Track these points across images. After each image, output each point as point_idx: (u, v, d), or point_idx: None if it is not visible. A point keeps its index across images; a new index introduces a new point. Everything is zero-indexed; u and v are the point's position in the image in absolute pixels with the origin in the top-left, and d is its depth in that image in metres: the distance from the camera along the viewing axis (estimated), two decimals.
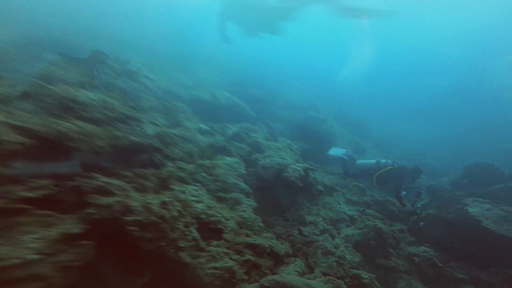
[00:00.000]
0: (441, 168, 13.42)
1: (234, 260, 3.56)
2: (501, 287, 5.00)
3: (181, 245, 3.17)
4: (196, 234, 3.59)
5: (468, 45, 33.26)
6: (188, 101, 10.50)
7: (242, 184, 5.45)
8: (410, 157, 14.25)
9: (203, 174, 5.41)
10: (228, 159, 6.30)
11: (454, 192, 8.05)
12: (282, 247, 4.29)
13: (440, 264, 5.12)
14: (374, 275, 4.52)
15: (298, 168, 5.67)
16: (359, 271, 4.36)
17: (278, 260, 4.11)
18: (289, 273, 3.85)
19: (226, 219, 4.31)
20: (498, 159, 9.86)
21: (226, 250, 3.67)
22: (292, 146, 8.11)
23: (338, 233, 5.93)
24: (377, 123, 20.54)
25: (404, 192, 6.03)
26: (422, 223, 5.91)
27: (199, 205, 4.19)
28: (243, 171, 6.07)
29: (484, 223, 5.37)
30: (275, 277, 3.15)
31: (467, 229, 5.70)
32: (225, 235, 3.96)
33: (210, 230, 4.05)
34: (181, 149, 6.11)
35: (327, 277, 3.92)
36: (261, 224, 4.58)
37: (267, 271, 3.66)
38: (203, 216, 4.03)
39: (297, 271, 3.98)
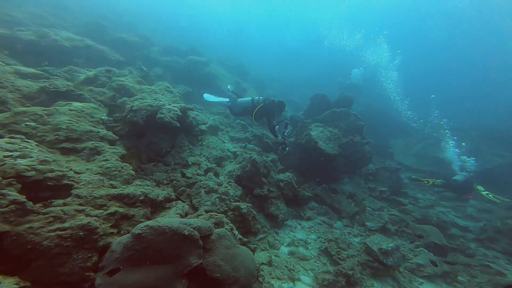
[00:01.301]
0: (302, 102, 16.67)
1: (93, 216, 2.77)
2: (325, 198, 6.89)
3: None
4: (17, 195, 2.43)
5: None
6: None
7: (103, 131, 4.26)
8: (281, 95, 16.81)
9: (31, 123, 3.78)
10: (78, 104, 4.68)
11: (305, 120, 9.77)
12: (160, 193, 3.82)
13: (296, 186, 6.44)
14: (251, 204, 5.05)
15: (174, 108, 5.06)
16: (239, 203, 4.69)
17: (156, 206, 3.65)
18: (169, 216, 3.53)
19: (78, 173, 3.24)
20: (331, 91, 13.00)
21: (79, 207, 2.77)
22: (172, 89, 7.23)
23: (222, 171, 6.10)
24: (257, 66, 22.84)
25: (277, 127, 6.46)
26: (287, 149, 6.75)
27: (22, 161, 2.86)
28: (105, 117, 4.75)
29: (319, 144, 6.90)
30: (148, 222, 2.71)
31: (312, 151, 7.12)
32: (76, 191, 2.97)
33: (50, 188, 2.92)
34: None
35: (209, 213, 3.92)
36: (132, 172, 3.84)
37: (142, 220, 3.15)
38: (30, 173, 2.79)
39: (179, 214, 3.72)
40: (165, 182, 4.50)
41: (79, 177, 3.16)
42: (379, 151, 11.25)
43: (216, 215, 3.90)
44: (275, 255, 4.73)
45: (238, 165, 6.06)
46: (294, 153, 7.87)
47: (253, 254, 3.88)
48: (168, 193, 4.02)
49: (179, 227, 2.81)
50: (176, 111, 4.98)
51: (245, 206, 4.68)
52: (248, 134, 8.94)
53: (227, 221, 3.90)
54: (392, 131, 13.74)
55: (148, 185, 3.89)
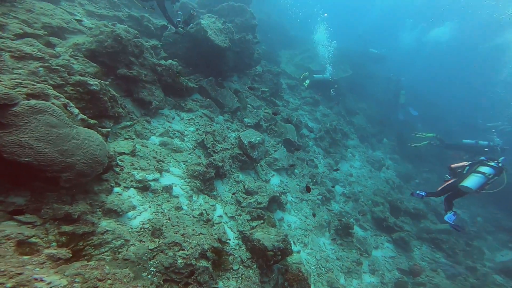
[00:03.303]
0: None
1: None
2: (210, 91, 6.43)
3: None
4: None
5: None
6: None
7: None
8: None
9: None
10: None
11: (200, 9, 8.62)
12: None
13: (177, 72, 5.43)
14: (107, 82, 3.76)
15: None
16: (85, 78, 3.31)
17: None
18: None
19: None
20: None
21: None
22: None
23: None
24: None
25: (179, 20, 5.74)
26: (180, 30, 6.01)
27: None
28: None
29: (208, 34, 6.15)
30: None
31: (202, 41, 6.32)
32: None
33: None
34: None
35: (15, 81, 2.44)
36: None
37: None
38: None
39: None
40: None
41: None
42: (269, 57, 11.48)
43: (33, 84, 2.50)
44: (141, 145, 4.11)
45: (91, 38, 4.20)
46: (181, 42, 6.61)
47: (106, 140, 3.04)
48: None
49: None
50: None
51: (97, 82, 3.37)
52: (120, 13, 6.64)
53: (57, 94, 2.64)
54: (283, 42, 14.18)
55: None
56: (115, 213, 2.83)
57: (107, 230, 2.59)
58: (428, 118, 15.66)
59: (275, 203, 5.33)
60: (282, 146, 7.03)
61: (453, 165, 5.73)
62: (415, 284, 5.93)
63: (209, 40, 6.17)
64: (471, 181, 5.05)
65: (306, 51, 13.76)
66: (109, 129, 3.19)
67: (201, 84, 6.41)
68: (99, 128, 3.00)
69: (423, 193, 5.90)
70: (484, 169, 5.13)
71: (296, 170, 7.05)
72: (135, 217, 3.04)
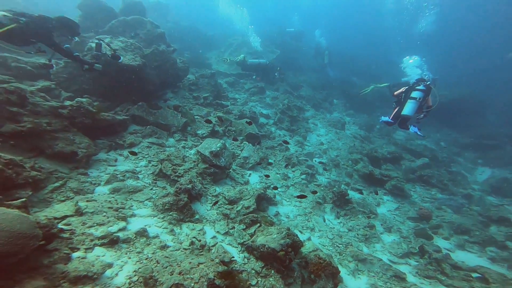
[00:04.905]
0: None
1: None
2: (147, 117, 5.77)
3: None
4: None
5: None
6: None
7: None
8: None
9: None
10: None
11: (83, 35, 7.12)
12: None
13: (93, 110, 4.54)
14: None
15: None
16: None
17: None
18: None
19: None
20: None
21: None
22: None
23: None
24: None
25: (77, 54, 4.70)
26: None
27: None
28: None
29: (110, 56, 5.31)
30: None
31: (108, 67, 5.43)
32: None
33: None
34: None
35: None
36: None
37: None
38: None
39: None
40: None
41: None
42: (197, 63, 10.99)
43: None
44: (87, 201, 3.32)
45: None
46: (83, 75, 5.67)
47: (26, 211, 2.27)
48: None
49: None
50: None
51: None
52: None
53: None
54: (204, 44, 13.84)
55: None
56: (87, 278, 2.36)
57: None
58: (357, 71, 16.84)
59: (264, 200, 4.90)
60: (247, 143, 6.64)
61: (395, 93, 6.21)
62: (432, 227, 5.94)
63: (115, 63, 5.38)
64: (407, 109, 5.64)
65: (230, 46, 13.71)
66: (24, 199, 2.41)
67: (132, 113, 5.64)
68: (9, 202, 2.23)
69: (387, 119, 6.04)
70: (414, 94, 5.64)
71: (270, 160, 6.73)
72: (116, 274, 2.57)
